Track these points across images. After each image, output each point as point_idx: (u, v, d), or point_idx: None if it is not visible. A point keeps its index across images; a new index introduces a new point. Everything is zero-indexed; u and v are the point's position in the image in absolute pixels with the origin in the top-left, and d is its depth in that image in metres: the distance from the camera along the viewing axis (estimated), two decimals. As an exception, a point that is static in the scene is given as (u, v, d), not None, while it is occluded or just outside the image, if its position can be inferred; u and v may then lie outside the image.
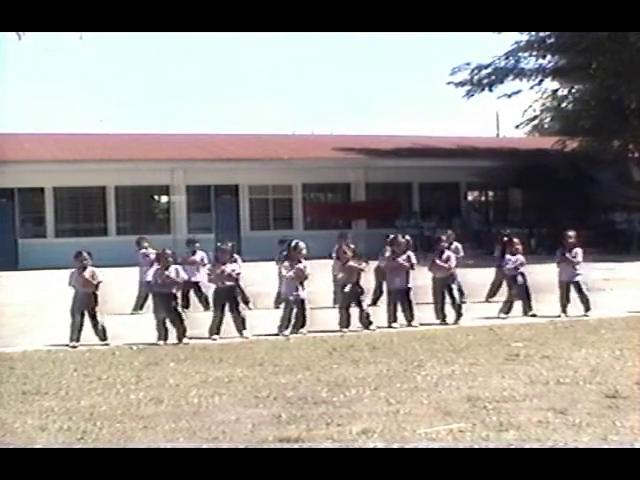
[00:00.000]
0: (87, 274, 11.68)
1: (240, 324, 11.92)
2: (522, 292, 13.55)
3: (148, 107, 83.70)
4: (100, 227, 29.69)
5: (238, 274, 12.48)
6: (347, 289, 12.53)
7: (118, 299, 15.14)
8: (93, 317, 11.56)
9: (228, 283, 12.11)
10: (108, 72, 77.26)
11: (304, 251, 12.58)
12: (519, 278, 13.55)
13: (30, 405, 7.69)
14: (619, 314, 13.00)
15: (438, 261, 13.26)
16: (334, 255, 15.71)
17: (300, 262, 12.41)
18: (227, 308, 11.98)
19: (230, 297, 12.06)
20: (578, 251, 13.60)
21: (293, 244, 12.72)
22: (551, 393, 7.63)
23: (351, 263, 12.61)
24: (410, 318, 12.64)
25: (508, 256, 13.70)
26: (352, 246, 13.25)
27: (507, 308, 13.52)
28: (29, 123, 75.13)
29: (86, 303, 11.58)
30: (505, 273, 13.97)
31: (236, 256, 14.78)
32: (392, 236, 13.83)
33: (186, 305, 14.04)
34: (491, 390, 7.77)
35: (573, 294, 13.50)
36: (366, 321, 12.34)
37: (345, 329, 12.19)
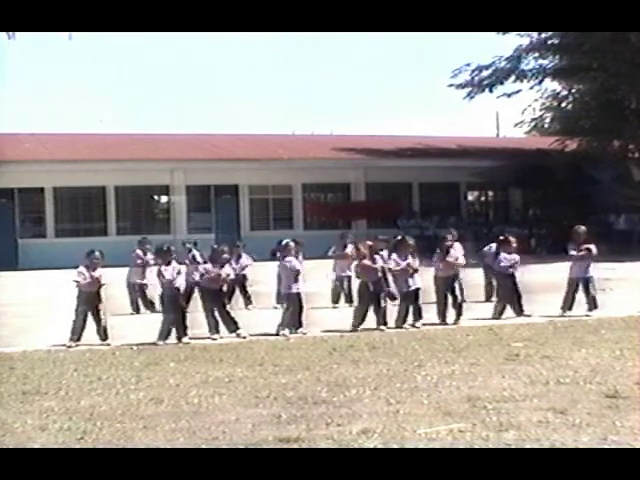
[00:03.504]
0: (97, 274, 11.68)
1: (231, 324, 11.90)
2: (510, 294, 13.32)
3: (148, 107, 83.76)
4: (100, 227, 29.68)
5: (231, 276, 12.75)
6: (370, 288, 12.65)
7: (118, 299, 15.15)
8: (97, 316, 11.54)
9: (218, 285, 12.16)
10: (108, 72, 77.34)
11: (293, 250, 12.76)
12: (507, 281, 13.37)
13: (30, 405, 7.69)
14: (619, 314, 12.99)
15: (449, 258, 13.23)
16: (336, 253, 15.86)
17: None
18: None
19: (217, 298, 12.08)
20: (592, 246, 13.36)
21: (284, 243, 12.83)
22: (551, 393, 7.63)
23: (366, 262, 12.65)
24: (417, 318, 12.64)
25: (503, 255, 13.48)
26: (369, 243, 13.29)
27: (499, 311, 13.27)
28: (29, 123, 75.16)
29: (91, 302, 11.58)
30: (495, 272, 13.85)
31: (246, 255, 15.19)
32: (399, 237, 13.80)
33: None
34: (491, 390, 7.77)
35: (579, 293, 13.43)
36: (382, 319, 12.39)
37: (384, 327, 12.24)
